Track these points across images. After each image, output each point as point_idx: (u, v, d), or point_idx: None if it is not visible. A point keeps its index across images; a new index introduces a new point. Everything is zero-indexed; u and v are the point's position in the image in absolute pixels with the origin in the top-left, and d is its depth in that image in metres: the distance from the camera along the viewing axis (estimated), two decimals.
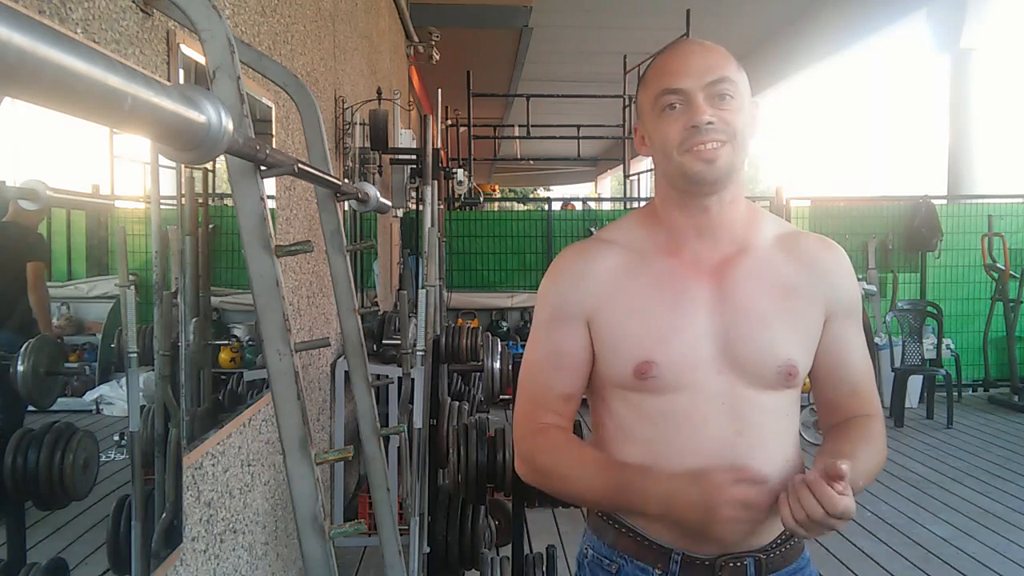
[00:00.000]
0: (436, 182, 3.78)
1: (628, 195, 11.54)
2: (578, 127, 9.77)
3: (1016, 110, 14.16)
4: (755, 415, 1.12)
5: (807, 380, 1.22)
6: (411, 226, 5.99)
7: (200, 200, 1.73)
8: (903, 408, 6.05)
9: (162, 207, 1.44)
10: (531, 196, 22.40)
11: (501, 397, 3.25)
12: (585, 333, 1.17)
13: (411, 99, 8.06)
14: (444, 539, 2.69)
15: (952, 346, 6.71)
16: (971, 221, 7.12)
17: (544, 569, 2.46)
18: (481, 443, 2.51)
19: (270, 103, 2.26)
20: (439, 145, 5.95)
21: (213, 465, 1.79)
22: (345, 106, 3.72)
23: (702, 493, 1.02)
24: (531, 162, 16.68)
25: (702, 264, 1.16)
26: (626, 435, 1.16)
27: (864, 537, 3.78)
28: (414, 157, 4.28)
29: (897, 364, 6.18)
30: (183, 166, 1.55)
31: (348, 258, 1.60)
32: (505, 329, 7.10)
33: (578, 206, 8.71)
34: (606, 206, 11.36)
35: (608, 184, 23.86)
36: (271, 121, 2.29)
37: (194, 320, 1.65)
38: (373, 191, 1.71)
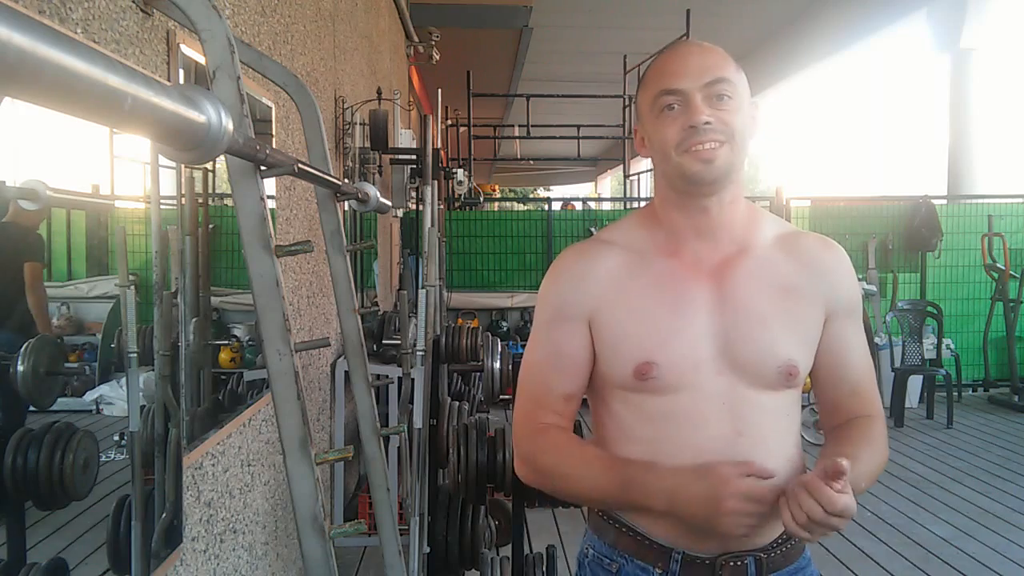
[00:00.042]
0: (436, 182, 3.78)
1: (628, 195, 11.54)
2: (578, 127, 9.77)
3: (1016, 110, 14.16)
4: (755, 415, 1.12)
5: (808, 380, 1.22)
6: (411, 226, 5.99)
7: (200, 200, 1.73)
8: (903, 408, 6.05)
9: (162, 207, 1.44)
10: (531, 196, 22.40)
11: (501, 397, 3.25)
12: (586, 333, 1.17)
13: (411, 99, 8.06)
14: (444, 539, 2.69)
15: (952, 346, 6.71)
16: (971, 221, 7.12)
17: (544, 569, 2.46)
18: (481, 443, 2.51)
19: (270, 103, 2.26)
20: (439, 145, 5.95)
21: (213, 465, 1.79)
22: (345, 106, 3.72)
23: (708, 486, 1.02)
24: (531, 162, 16.69)
25: (702, 265, 1.16)
26: (626, 435, 1.16)
27: (864, 537, 3.78)
28: (414, 157, 4.28)
29: (897, 364, 6.18)
30: (183, 166, 1.55)
31: (348, 258, 1.60)
32: (505, 329, 7.10)
33: (578, 206, 8.71)
34: (606, 206, 11.36)
35: (608, 184, 23.86)
36: (271, 121, 2.29)
37: (194, 320, 1.65)
38: (373, 191, 1.71)
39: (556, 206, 7.96)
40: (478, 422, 2.61)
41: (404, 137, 5.13)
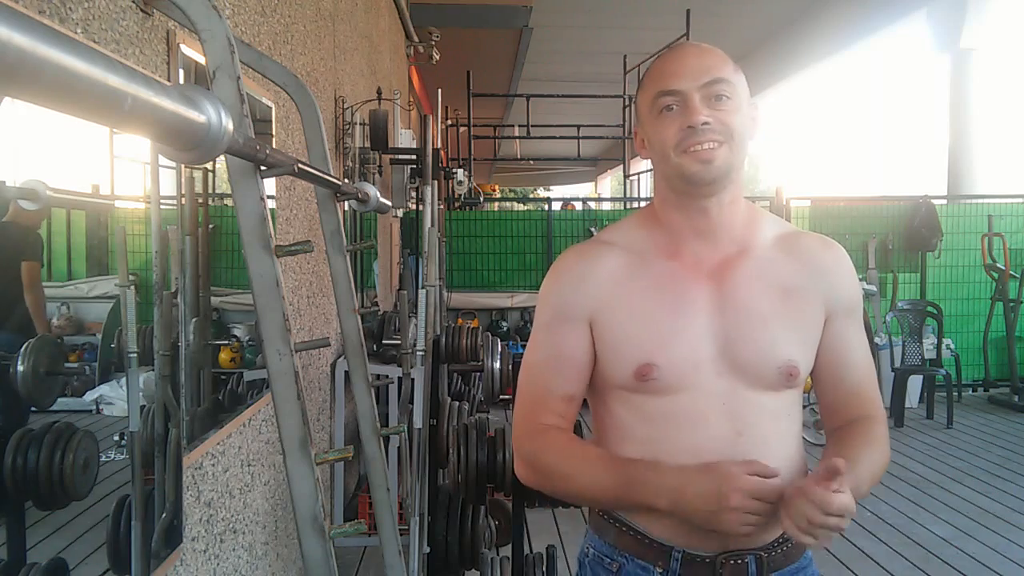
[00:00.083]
0: (436, 182, 3.78)
1: (628, 195, 11.54)
2: (578, 127, 9.77)
3: (1016, 110, 14.17)
4: (756, 416, 1.12)
5: (809, 380, 1.22)
6: (411, 226, 5.99)
7: (200, 200, 1.73)
8: (903, 408, 6.05)
9: (162, 207, 1.44)
10: (531, 196, 22.40)
11: (501, 397, 3.25)
12: (587, 335, 1.17)
13: (411, 99, 8.06)
14: (444, 539, 2.69)
15: (952, 346, 6.71)
16: (971, 221, 7.12)
17: (544, 569, 2.46)
18: (481, 443, 2.51)
19: (270, 103, 2.26)
20: (439, 145, 5.95)
21: (213, 465, 1.79)
22: (345, 106, 3.72)
23: (714, 484, 1.01)
24: (531, 162, 16.68)
25: (702, 266, 1.16)
26: (626, 435, 1.16)
27: (864, 537, 3.78)
28: (414, 157, 4.28)
29: (897, 364, 6.18)
30: (183, 166, 1.55)
31: (348, 258, 1.60)
32: (505, 329, 7.10)
33: (578, 206, 8.71)
34: (606, 206, 11.36)
35: (608, 184, 23.86)
36: (271, 121, 2.29)
37: (194, 320, 1.65)
38: (373, 191, 1.71)
39: (556, 206, 7.97)
40: (478, 422, 2.61)
41: (404, 137, 5.13)
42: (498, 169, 18.98)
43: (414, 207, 4.99)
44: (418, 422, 2.85)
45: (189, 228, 1.61)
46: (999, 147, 8.59)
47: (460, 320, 6.45)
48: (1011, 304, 6.71)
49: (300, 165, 1.01)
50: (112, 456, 1.28)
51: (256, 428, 2.17)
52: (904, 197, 7.26)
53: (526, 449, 1.18)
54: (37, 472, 1.06)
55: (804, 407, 1.23)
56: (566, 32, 9.25)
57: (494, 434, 2.54)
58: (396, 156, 4.47)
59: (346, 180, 3.17)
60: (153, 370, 1.41)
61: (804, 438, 1.23)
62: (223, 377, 1.92)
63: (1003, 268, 6.71)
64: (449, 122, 9.38)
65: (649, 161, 1.21)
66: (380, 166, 4.09)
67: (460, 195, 7.31)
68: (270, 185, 2.22)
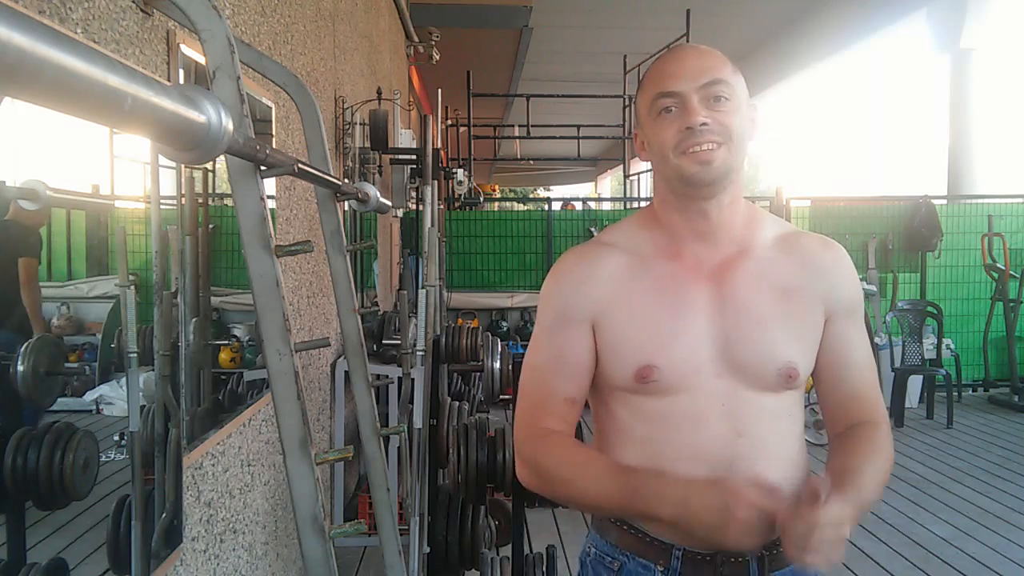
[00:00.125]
0: (436, 182, 3.78)
1: (628, 195, 11.54)
2: (578, 127, 9.77)
3: (1016, 110, 14.16)
4: (755, 416, 1.12)
5: (810, 380, 1.22)
6: (411, 226, 5.99)
7: (200, 200, 1.73)
8: (903, 408, 6.05)
9: (162, 207, 1.44)
10: (531, 196, 22.40)
11: (501, 397, 3.25)
12: (588, 336, 1.17)
13: (411, 99, 8.06)
14: (444, 539, 2.69)
15: (952, 346, 6.71)
16: (971, 221, 7.13)
17: (544, 569, 2.47)
18: (481, 443, 2.51)
19: (270, 103, 2.26)
20: (439, 145, 5.95)
21: (213, 465, 1.79)
22: (345, 106, 3.72)
23: (720, 497, 1.00)
24: (531, 162, 16.69)
25: (702, 267, 1.16)
26: (626, 436, 1.16)
27: (864, 537, 3.78)
28: (414, 157, 4.28)
29: (897, 364, 6.18)
30: (183, 166, 1.55)
31: (348, 258, 1.60)
32: (505, 329, 7.10)
33: (578, 206, 8.71)
34: (606, 206, 11.37)
35: (608, 184, 23.86)
36: (271, 121, 2.29)
37: (194, 320, 1.65)
38: (373, 191, 1.71)
39: (556, 206, 7.97)
40: (478, 422, 2.62)
41: (404, 137, 5.13)
42: (498, 169, 18.98)
43: (414, 207, 5.00)
44: (418, 422, 2.85)
45: (189, 228, 1.61)
46: (999, 147, 8.59)
47: (460, 320, 6.45)
48: (1011, 304, 6.71)
49: (300, 165, 1.01)
50: (112, 456, 1.28)
51: (256, 428, 2.17)
52: (904, 197, 7.26)
53: (528, 453, 1.17)
54: (37, 472, 1.06)
55: (804, 407, 1.23)
56: (566, 32, 9.25)
57: (494, 434, 2.54)
58: (396, 156, 4.47)
59: (346, 180, 3.17)
60: (153, 370, 1.41)
61: (805, 439, 1.22)
62: (223, 377, 1.92)
63: (1003, 268, 6.71)
64: (449, 122, 9.38)
65: (649, 162, 1.21)
66: (380, 166, 4.09)
67: (460, 195, 7.31)
68: (270, 185, 2.22)
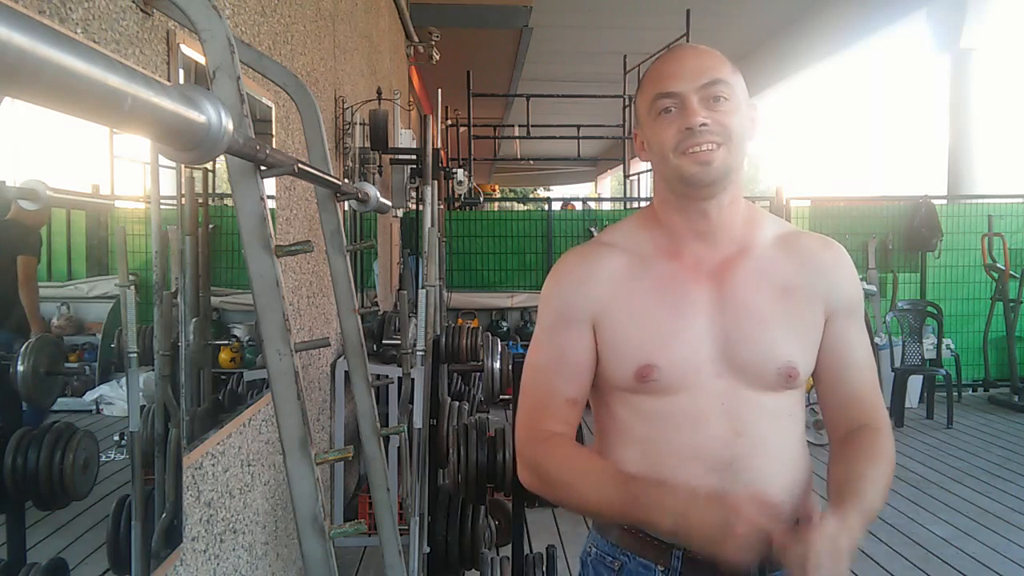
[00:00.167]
0: (436, 182, 3.78)
1: (628, 195, 11.54)
2: (578, 127, 9.77)
3: (1016, 110, 14.17)
4: (755, 416, 1.12)
5: (810, 379, 1.22)
6: (411, 226, 5.99)
7: (200, 200, 1.73)
8: (903, 408, 6.05)
9: (162, 207, 1.44)
10: (531, 196, 22.40)
11: (501, 397, 3.25)
12: (589, 336, 1.17)
13: (411, 99, 8.06)
14: (444, 539, 2.69)
15: (952, 346, 6.71)
16: (971, 221, 7.13)
17: (544, 569, 2.47)
18: (481, 443, 2.51)
19: (270, 103, 2.26)
20: (439, 145, 5.95)
21: (213, 465, 1.79)
22: (345, 106, 3.72)
23: (721, 512, 0.99)
24: (531, 162, 16.69)
25: (702, 266, 1.16)
26: (626, 436, 1.16)
27: (864, 537, 3.78)
28: (414, 157, 4.28)
29: (897, 364, 6.18)
30: (183, 166, 1.55)
31: (348, 258, 1.60)
32: (505, 329, 7.10)
33: (578, 206, 8.71)
34: (606, 206, 11.36)
35: (608, 184, 23.86)
36: (271, 121, 2.29)
37: (194, 320, 1.65)
38: (373, 191, 1.71)
39: (556, 206, 7.97)
40: (478, 422, 2.62)
41: (404, 137, 5.13)
42: (498, 169, 18.98)
43: (414, 207, 5.00)
44: (418, 422, 2.85)
45: (189, 228, 1.61)
46: (999, 147, 8.59)
47: (460, 320, 6.45)
48: (1011, 304, 6.71)
49: (300, 165, 1.01)
50: (112, 456, 1.28)
51: (256, 428, 2.17)
52: (904, 197, 7.26)
53: (530, 455, 1.17)
54: (37, 472, 1.06)
55: (806, 407, 1.23)
56: (566, 32, 9.25)
57: (494, 434, 2.55)
58: (396, 156, 4.47)
59: (346, 180, 3.17)
60: (153, 370, 1.41)
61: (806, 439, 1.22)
62: (223, 377, 1.92)
63: (1003, 268, 6.71)
64: (449, 122, 9.38)
65: (649, 162, 1.21)
66: (380, 166, 4.09)
67: (460, 195, 7.31)
68: (270, 185, 2.22)
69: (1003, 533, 3.85)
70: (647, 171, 10.41)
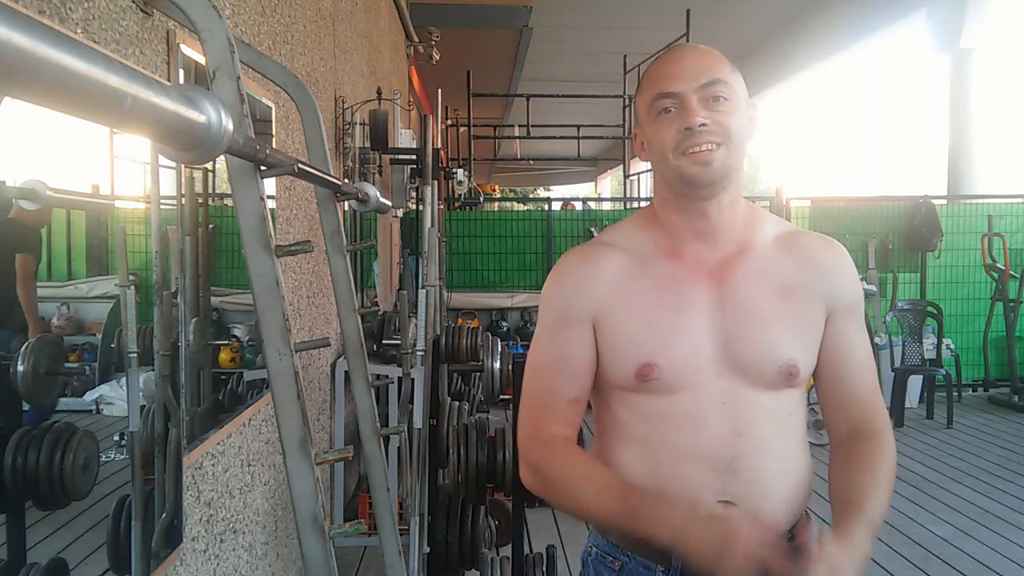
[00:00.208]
0: (436, 182, 3.78)
1: (628, 195, 11.54)
2: (578, 127, 9.77)
3: (1016, 110, 14.17)
4: (755, 415, 1.12)
5: (811, 379, 1.22)
6: (411, 226, 5.99)
7: (200, 200, 1.73)
8: (903, 408, 6.05)
9: (162, 207, 1.44)
10: (531, 196, 22.40)
11: (501, 397, 3.25)
12: (590, 336, 1.17)
13: (411, 99, 8.06)
14: (444, 539, 2.69)
15: (952, 346, 6.71)
16: (971, 221, 7.13)
17: (544, 569, 2.47)
18: (481, 443, 2.51)
19: (270, 103, 2.26)
20: (439, 145, 5.95)
21: (213, 465, 1.79)
22: (345, 106, 3.72)
23: (720, 534, 0.98)
24: (531, 162, 16.69)
25: (703, 265, 1.16)
26: (627, 435, 1.16)
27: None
28: (414, 157, 4.28)
29: (897, 364, 6.18)
30: (183, 166, 1.55)
31: (348, 258, 1.60)
32: (505, 329, 7.09)
33: (578, 206, 8.72)
34: (606, 206, 11.37)
35: (608, 184, 23.86)
36: (271, 121, 2.29)
37: (194, 320, 1.65)
38: (373, 191, 1.71)
39: (556, 206, 7.97)
40: (478, 422, 2.62)
41: (404, 137, 5.13)
42: (498, 169, 18.98)
43: (414, 207, 5.00)
44: (418, 422, 2.85)
45: (189, 228, 1.61)
46: (999, 147, 8.59)
47: (460, 320, 6.45)
48: (1011, 304, 6.71)
49: (300, 165, 1.01)
50: (112, 456, 1.28)
51: (256, 428, 2.17)
52: (904, 197, 7.26)
53: (533, 459, 1.17)
54: (37, 472, 1.06)
55: (807, 406, 1.22)
56: (566, 32, 9.25)
57: (494, 434, 2.55)
58: (396, 156, 4.47)
59: (346, 180, 3.17)
60: (153, 370, 1.41)
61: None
62: (223, 377, 1.92)
63: (1003, 268, 6.71)
64: (449, 122, 9.38)
65: (649, 162, 1.21)
66: (380, 166, 4.09)
67: (460, 195, 7.31)
68: (270, 185, 2.22)
69: (1003, 533, 3.85)
70: (647, 171, 10.41)
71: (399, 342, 2.94)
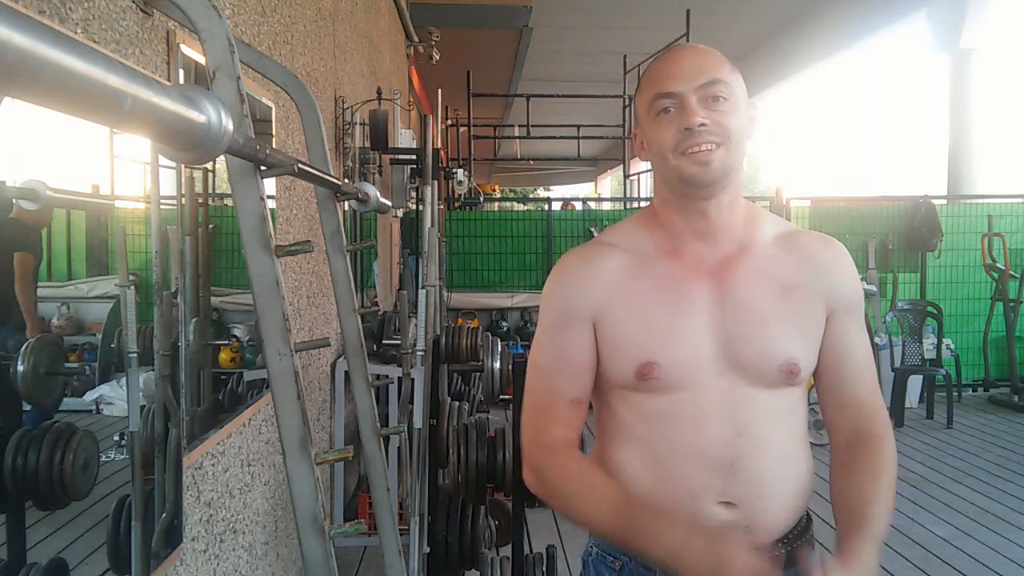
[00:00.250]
0: (436, 182, 3.78)
1: (628, 195, 11.54)
2: (578, 127, 9.77)
3: (1016, 110, 14.16)
4: (756, 415, 1.12)
5: (811, 379, 1.22)
6: (411, 226, 5.99)
7: (200, 200, 1.73)
8: (903, 408, 6.05)
9: (162, 207, 1.44)
10: (531, 196, 22.40)
11: (501, 397, 3.25)
12: (591, 336, 1.17)
13: (411, 99, 8.06)
14: (444, 539, 2.69)
15: (952, 346, 6.71)
16: (971, 221, 7.13)
17: (544, 569, 2.47)
18: (481, 443, 2.51)
19: (270, 103, 2.26)
20: (439, 145, 5.94)
21: (213, 465, 1.79)
22: (345, 106, 3.72)
23: (717, 554, 0.97)
24: (531, 162, 16.69)
25: (703, 265, 1.16)
26: (627, 435, 1.16)
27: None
28: (414, 157, 4.28)
29: (897, 364, 6.18)
30: (183, 166, 1.55)
31: (348, 258, 1.60)
32: (505, 329, 7.09)
33: (578, 206, 8.72)
34: (606, 206, 11.37)
35: (608, 184, 23.86)
36: (271, 121, 2.29)
37: (194, 320, 1.65)
38: (373, 191, 1.71)
39: (556, 206, 7.97)
40: (478, 422, 2.62)
41: (404, 137, 5.13)
42: (498, 169, 18.98)
43: (414, 207, 5.00)
44: (418, 422, 2.85)
45: (189, 228, 1.61)
46: (999, 147, 8.59)
47: (460, 320, 6.45)
48: (1011, 304, 6.71)
49: (300, 165, 1.01)
50: (112, 456, 1.28)
51: (256, 428, 2.17)
52: (904, 197, 7.26)
53: (535, 461, 1.17)
54: (37, 472, 1.06)
55: (807, 406, 1.22)
56: (566, 32, 9.25)
57: (494, 434, 2.55)
58: (396, 156, 4.47)
59: (346, 180, 3.17)
60: (153, 370, 1.41)
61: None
62: (223, 377, 1.92)
63: (1003, 268, 6.71)
64: (449, 122, 9.38)
65: (648, 162, 1.21)
66: (380, 166, 4.09)
67: (460, 195, 7.31)
68: (270, 185, 2.22)
69: (1003, 533, 3.85)
70: (647, 171, 10.41)
71: (399, 342, 2.94)
